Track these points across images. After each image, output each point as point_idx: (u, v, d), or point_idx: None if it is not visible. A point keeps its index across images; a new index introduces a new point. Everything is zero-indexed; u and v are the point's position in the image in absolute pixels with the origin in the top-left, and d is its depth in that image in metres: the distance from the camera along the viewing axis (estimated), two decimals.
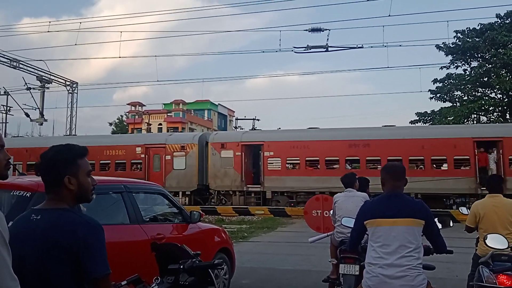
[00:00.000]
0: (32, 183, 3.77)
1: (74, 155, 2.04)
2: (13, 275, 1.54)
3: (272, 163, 19.71)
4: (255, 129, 28.31)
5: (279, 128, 24.73)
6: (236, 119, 52.02)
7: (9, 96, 30.68)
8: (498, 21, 27.06)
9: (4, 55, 24.22)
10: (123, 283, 2.44)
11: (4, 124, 38.98)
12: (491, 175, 5.05)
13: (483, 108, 27.48)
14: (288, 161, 19.64)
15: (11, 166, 1.85)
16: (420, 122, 30.18)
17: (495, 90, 28.27)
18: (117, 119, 64.26)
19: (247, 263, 8.06)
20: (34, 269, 1.88)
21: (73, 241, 1.87)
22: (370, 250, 3.12)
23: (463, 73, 28.81)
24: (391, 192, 3.20)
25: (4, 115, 38.42)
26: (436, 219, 3.34)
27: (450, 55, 28.38)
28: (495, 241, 3.97)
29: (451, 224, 3.88)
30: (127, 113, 62.09)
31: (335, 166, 18.97)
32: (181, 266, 2.90)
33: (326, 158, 19.08)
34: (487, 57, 27.33)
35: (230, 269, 6.06)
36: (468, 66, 28.91)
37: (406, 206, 3.11)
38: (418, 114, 30.52)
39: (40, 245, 1.89)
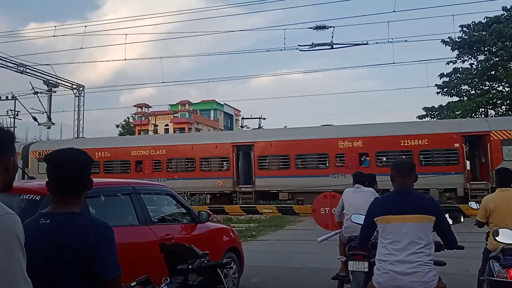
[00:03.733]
0: (41, 187, 3.79)
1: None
2: (27, 278, 1.55)
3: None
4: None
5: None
6: (242, 118, 52.05)
7: (16, 100, 31.03)
8: (504, 14, 26.76)
9: (11, 60, 24.47)
10: (132, 284, 2.45)
11: (12, 129, 39.34)
12: (500, 168, 4.99)
13: (491, 101, 27.23)
14: None
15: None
16: (427, 117, 29.98)
17: (502, 84, 28.02)
18: (124, 121, 64.57)
19: (256, 261, 8.06)
20: (43, 273, 1.89)
21: (84, 244, 1.88)
22: (380, 247, 3.10)
23: (470, 67, 28.58)
24: (401, 189, 3.18)
25: (12, 119, 38.81)
26: (447, 215, 3.32)
27: (456, 50, 28.15)
28: (506, 236, 3.94)
29: (462, 220, 3.84)
30: (133, 115, 62.33)
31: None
32: (190, 266, 2.90)
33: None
34: (493, 50, 27.06)
35: (239, 268, 6.06)
36: (474, 60, 28.68)
37: (417, 203, 3.09)
38: (425, 109, 30.34)
39: (50, 249, 1.90)
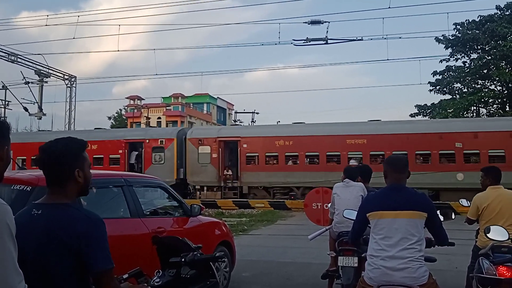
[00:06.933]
0: (32, 177, 3.75)
1: (81, 148, 2.05)
2: (18, 269, 1.53)
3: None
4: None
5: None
6: (235, 112, 51.99)
7: (7, 90, 30.58)
8: (497, 13, 26.97)
9: (2, 49, 24.12)
10: (124, 276, 2.44)
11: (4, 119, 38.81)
12: (491, 167, 5.03)
13: (482, 100, 27.47)
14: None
15: None
16: (420, 114, 30.17)
17: (494, 82, 28.27)
18: (116, 113, 64.17)
19: (247, 256, 8.08)
20: (35, 264, 1.87)
21: (74, 237, 1.86)
22: (372, 242, 3.12)
23: (463, 65, 28.78)
24: (394, 185, 3.20)
25: (3, 109, 38.35)
26: (438, 212, 3.34)
27: (449, 48, 28.33)
28: (497, 233, 3.98)
29: (453, 217, 3.88)
30: (126, 107, 61.93)
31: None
32: (183, 259, 2.90)
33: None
34: (486, 49, 27.27)
35: (230, 262, 6.07)
36: (467, 58, 28.89)
37: (409, 199, 3.11)
38: (417, 106, 30.52)
39: (41, 240, 1.88)
